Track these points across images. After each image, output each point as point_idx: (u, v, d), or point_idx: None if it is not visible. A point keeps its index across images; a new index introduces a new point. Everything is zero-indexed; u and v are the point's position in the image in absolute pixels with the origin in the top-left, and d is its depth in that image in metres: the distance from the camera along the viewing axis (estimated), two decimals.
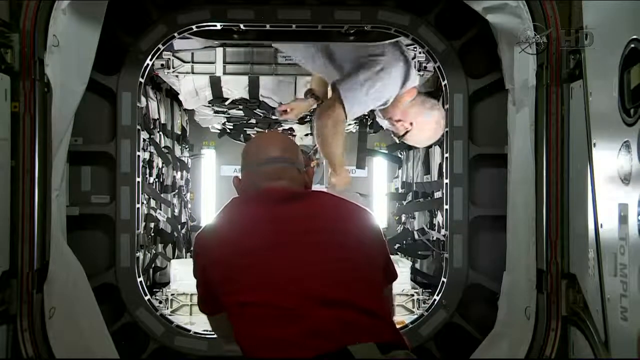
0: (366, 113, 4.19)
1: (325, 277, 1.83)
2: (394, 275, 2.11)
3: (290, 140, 2.20)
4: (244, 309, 1.82)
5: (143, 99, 3.85)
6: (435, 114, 3.63)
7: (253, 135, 5.56)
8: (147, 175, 4.27)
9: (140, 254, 3.66)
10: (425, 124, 3.67)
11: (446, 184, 3.49)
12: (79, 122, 3.05)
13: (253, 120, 5.20)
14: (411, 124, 3.69)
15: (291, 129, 5.43)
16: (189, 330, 3.42)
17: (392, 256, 2.15)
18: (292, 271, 1.83)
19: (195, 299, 3.78)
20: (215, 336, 2.79)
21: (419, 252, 4.68)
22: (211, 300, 1.94)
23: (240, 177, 2.13)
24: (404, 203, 5.12)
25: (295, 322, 1.75)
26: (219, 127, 5.59)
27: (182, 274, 4.17)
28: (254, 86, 4.37)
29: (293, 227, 1.92)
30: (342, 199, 2.11)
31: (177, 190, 5.34)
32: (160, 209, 4.62)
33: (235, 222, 1.97)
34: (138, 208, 3.45)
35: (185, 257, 5.00)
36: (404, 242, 4.85)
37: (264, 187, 2.01)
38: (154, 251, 4.41)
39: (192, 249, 5.12)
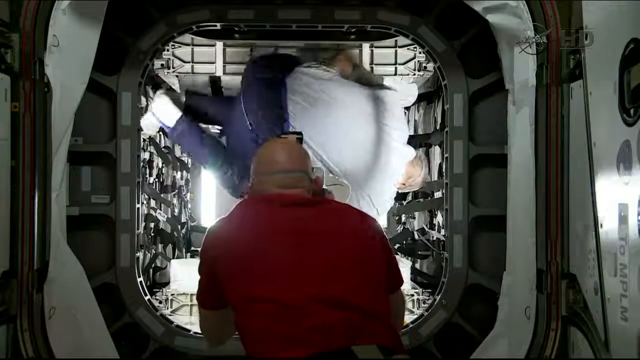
0: None
1: (330, 278, 1.86)
2: (399, 280, 2.13)
3: (301, 150, 2.21)
4: (249, 305, 1.84)
5: (143, 99, 3.85)
6: (418, 170, 4.01)
7: None
8: (147, 175, 4.27)
9: (140, 254, 3.66)
10: (415, 180, 4.06)
11: (446, 184, 3.49)
12: (79, 122, 3.06)
13: None
14: (403, 184, 4.06)
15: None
16: (189, 330, 3.42)
17: None
18: (298, 271, 1.86)
19: (195, 299, 3.78)
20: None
21: (419, 252, 4.68)
22: (216, 295, 1.95)
23: (252, 181, 2.15)
24: (404, 203, 5.12)
25: (300, 320, 1.77)
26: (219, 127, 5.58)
27: (182, 274, 4.17)
28: None
29: (302, 229, 1.95)
30: (349, 205, 2.16)
31: (177, 190, 5.33)
32: (160, 209, 4.62)
33: (248, 220, 2.01)
34: (138, 208, 3.45)
35: (185, 257, 5.00)
36: (404, 242, 4.85)
37: (275, 192, 2.05)
38: (154, 251, 4.40)
39: (192, 248, 5.13)
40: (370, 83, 3.95)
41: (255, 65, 3.87)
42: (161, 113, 3.95)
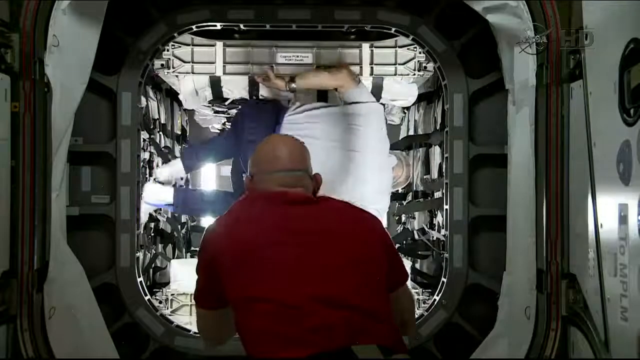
0: None
1: (330, 278, 1.85)
2: (403, 277, 2.12)
3: (301, 147, 2.17)
4: (249, 304, 1.83)
5: (143, 99, 3.85)
6: (400, 171, 4.30)
7: None
8: (147, 175, 4.27)
9: (140, 254, 3.66)
10: (398, 181, 4.36)
11: (446, 184, 3.49)
12: (79, 122, 3.06)
13: None
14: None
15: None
16: (189, 330, 3.42)
17: None
18: (299, 270, 1.85)
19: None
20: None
21: (419, 252, 4.68)
22: (215, 294, 1.94)
23: (252, 179, 2.12)
24: (404, 203, 5.12)
25: (300, 320, 1.76)
26: (219, 127, 5.58)
27: (182, 274, 4.16)
28: (253, 86, 4.37)
29: (302, 228, 1.94)
30: (349, 204, 2.13)
31: None
32: (161, 209, 4.62)
33: (247, 219, 1.99)
34: (138, 208, 3.44)
35: (185, 257, 5.00)
36: (404, 242, 4.85)
37: (277, 190, 2.03)
38: (154, 251, 4.40)
39: (192, 248, 5.12)
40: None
41: (245, 127, 3.96)
42: (156, 198, 4.10)
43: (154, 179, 4.24)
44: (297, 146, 2.15)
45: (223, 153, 4.33)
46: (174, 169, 4.33)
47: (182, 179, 4.76)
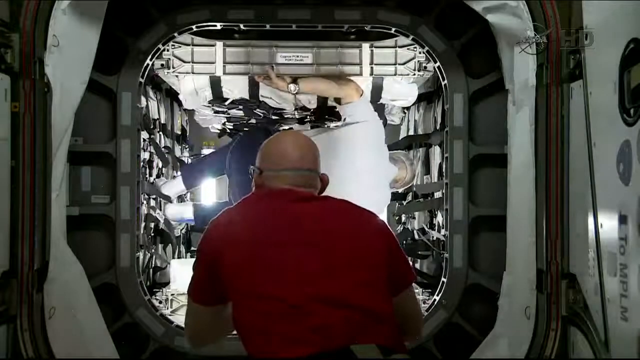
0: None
1: (332, 277, 1.84)
2: (406, 279, 2.08)
3: (312, 146, 2.13)
4: (250, 303, 1.83)
5: (143, 99, 3.85)
6: (404, 173, 4.23)
7: None
8: (147, 175, 4.27)
9: (140, 254, 3.66)
10: (404, 181, 4.32)
11: (446, 184, 3.49)
12: (79, 122, 3.06)
13: (253, 120, 5.20)
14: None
15: (291, 129, 5.41)
16: None
17: None
18: (300, 270, 1.84)
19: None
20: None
21: (419, 252, 4.68)
22: (213, 290, 1.93)
23: (259, 172, 2.08)
24: (404, 203, 5.12)
25: (301, 319, 1.76)
26: (219, 127, 5.59)
27: (182, 274, 4.16)
28: (253, 86, 4.37)
29: (305, 228, 1.93)
30: (353, 203, 2.11)
31: None
32: (160, 209, 4.62)
33: (250, 217, 1.98)
34: (138, 208, 3.44)
35: (186, 257, 5.00)
36: (404, 242, 4.85)
37: (283, 188, 2.02)
38: (153, 251, 4.41)
39: (192, 248, 5.13)
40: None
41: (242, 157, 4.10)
42: (178, 216, 4.62)
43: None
44: (308, 145, 2.12)
45: (217, 173, 4.67)
46: (177, 189, 4.62)
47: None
